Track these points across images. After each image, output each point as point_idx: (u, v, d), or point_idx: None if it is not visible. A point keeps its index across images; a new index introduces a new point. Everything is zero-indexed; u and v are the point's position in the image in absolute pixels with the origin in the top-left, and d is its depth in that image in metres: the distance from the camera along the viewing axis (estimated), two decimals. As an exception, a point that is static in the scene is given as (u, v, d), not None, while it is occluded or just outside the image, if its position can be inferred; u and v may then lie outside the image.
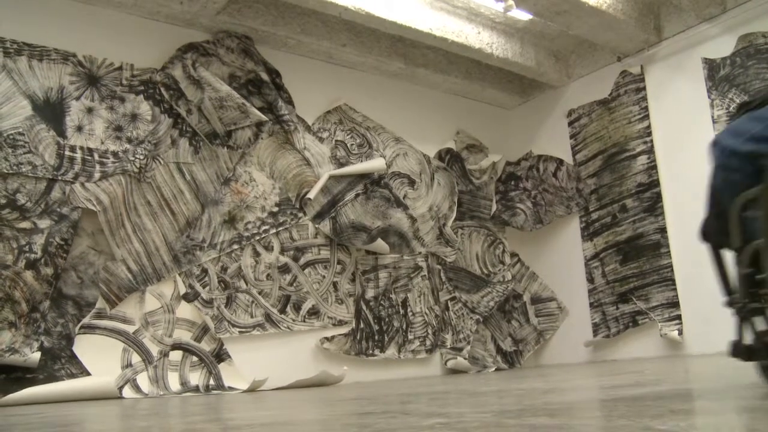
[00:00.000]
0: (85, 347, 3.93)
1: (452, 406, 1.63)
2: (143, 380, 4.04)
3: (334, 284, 5.07)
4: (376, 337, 5.18)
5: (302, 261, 4.94)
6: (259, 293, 4.67)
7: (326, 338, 4.90)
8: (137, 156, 4.31)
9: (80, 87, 4.19)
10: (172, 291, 4.34)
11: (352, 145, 5.43)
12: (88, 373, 3.88)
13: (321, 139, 5.24)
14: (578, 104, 6.09)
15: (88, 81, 4.23)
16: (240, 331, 4.52)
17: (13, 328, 3.69)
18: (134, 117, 4.37)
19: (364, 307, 5.18)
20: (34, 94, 4.01)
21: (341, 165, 5.29)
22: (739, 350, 1.59)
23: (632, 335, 5.47)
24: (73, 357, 3.88)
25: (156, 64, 4.53)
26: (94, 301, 4.03)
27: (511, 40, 5.61)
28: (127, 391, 3.95)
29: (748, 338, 1.56)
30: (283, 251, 4.85)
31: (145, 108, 4.42)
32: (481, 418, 1.25)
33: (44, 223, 3.89)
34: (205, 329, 4.40)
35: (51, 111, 4.05)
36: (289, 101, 5.05)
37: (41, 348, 3.76)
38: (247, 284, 4.63)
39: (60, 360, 3.84)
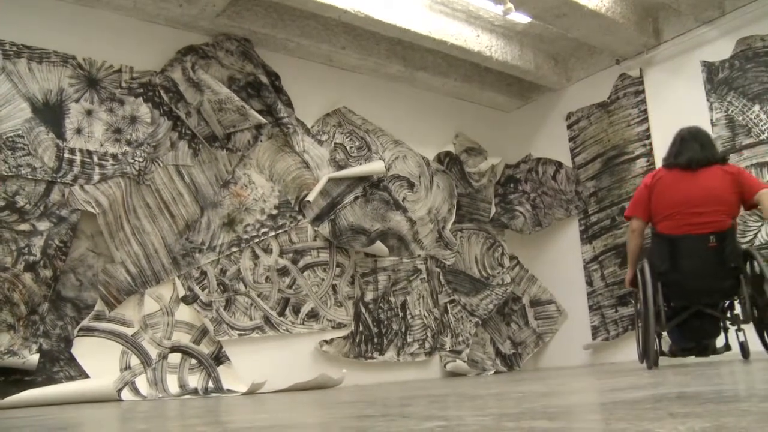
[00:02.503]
0: (84, 349, 3.93)
1: (451, 409, 1.63)
2: (142, 383, 4.04)
3: (333, 287, 5.07)
4: (375, 340, 5.18)
5: (301, 264, 4.93)
6: (258, 296, 4.66)
7: (325, 341, 4.90)
8: (136, 158, 4.31)
9: (80, 89, 4.19)
10: (171, 293, 4.34)
11: (351, 147, 5.43)
12: (87, 376, 3.87)
13: (320, 142, 5.25)
14: (577, 107, 6.10)
15: (87, 83, 4.23)
16: (239, 334, 4.52)
17: (11, 330, 3.68)
18: (133, 119, 4.37)
19: (363, 310, 5.18)
20: (34, 97, 4.01)
21: (340, 168, 5.29)
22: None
23: (631, 338, 5.46)
24: (72, 359, 3.87)
25: (155, 67, 4.54)
26: (93, 304, 4.03)
27: (510, 43, 5.62)
28: (126, 394, 3.94)
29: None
30: (282, 254, 4.85)
31: (144, 110, 4.42)
32: (480, 421, 1.25)
33: (43, 226, 3.89)
34: (204, 332, 4.39)
35: (50, 113, 4.05)
36: (289, 104, 5.06)
37: (40, 350, 3.76)
38: (246, 287, 4.63)
39: (59, 362, 3.83)
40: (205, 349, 4.38)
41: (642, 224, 3.49)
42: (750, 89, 4.87)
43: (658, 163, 5.40)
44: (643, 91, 5.60)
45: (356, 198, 5.30)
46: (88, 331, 3.98)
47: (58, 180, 4.00)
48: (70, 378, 3.84)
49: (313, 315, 4.90)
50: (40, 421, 2.23)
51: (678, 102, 5.33)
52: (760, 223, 4.73)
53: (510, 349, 6.07)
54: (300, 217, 5.00)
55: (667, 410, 1.21)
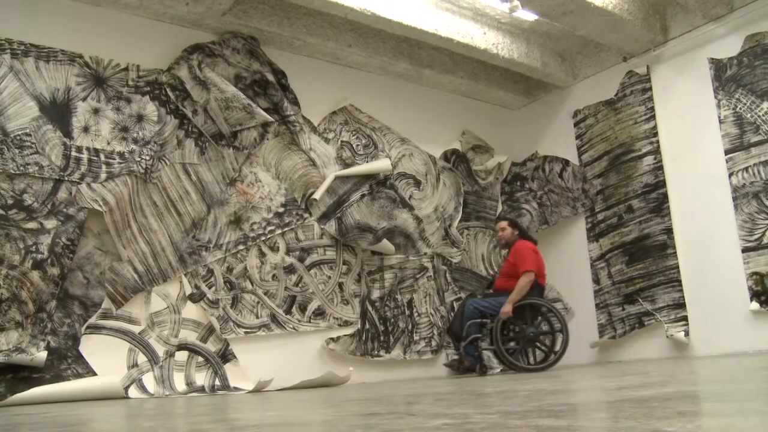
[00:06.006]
0: (91, 347, 3.94)
1: (458, 407, 1.63)
2: (149, 380, 4.05)
3: (340, 285, 5.07)
4: (382, 338, 5.18)
5: (308, 261, 4.94)
6: (265, 294, 4.67)
7: (332, 339, 4.90)
8: (143, 157, 4.32)
9: (87, 88, 4.21)
10: (177, 291, 4.35)
11: (357, 145, 5.43)
12: (94, 373, 3.89)
13: (327, 140, 5.25)
14: (584, 105, 6.07)
15: (94, 82, 4.24)
16: (245, 332, 4.52)
17: (19, 327, 3.70)
18: (140, 118, 4.38)
19: (369, 308, 5.18)
20: (41, 95, 4.03)
21: (347, 165, 5.29)
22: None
23: (638, 336, 5.45)
24: (79, 357, 3.89)
25: (162, 65, 4.55)
26: (100, 302, 4.04)
27: (516, 40, 5.61)
28: (133, 391, 3.96)
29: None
30: (288, 252, 4.86)
31: (151, 109, 4.43)
32: (486, 419, 1.25)
33: (51, 224, 3.91)
34: (210, 329, 4.41)
35: (58, 112, 4.07)
36: (295, 102, 5.06)
37: (48, 348, 3.78)
38: (252, 285, 4.63)
39: (66, 360, 3.85)
40: (211, 346, 4.39)
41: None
42: (758, 86, 4.83)
43: (666, 161, 5.41)
44: (650, 89, 5.57)
45: (363, 196, 5.29)
46: (96, 329, 4.00)
47: (66, 178, 4.02)
48: (78, 375, 3.85)
49: (319, 313, 4.91)
50: (48, 418, 2.24)
51: (685, 99, 5.31)
52: (768, 221, 4.71)
53: (516, 348, 6.06)
54: (306, 214, 5.00)
55: (676, 409, 1.20)
